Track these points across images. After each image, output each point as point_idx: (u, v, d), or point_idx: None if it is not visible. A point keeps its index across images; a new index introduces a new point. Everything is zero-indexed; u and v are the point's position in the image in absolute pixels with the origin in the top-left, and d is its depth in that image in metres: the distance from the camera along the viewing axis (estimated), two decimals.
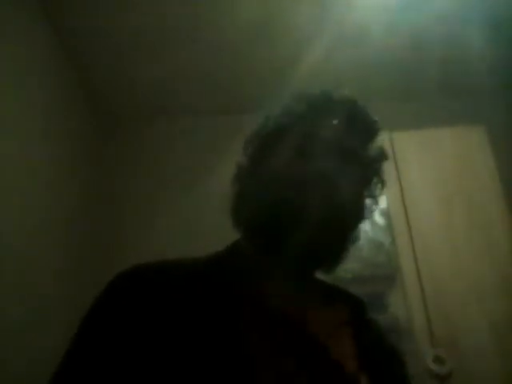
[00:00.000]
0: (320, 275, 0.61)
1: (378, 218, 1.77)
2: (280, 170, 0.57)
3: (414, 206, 1.67)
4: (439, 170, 1.73)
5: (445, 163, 1.74)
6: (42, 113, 1.62)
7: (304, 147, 0.57)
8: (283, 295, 0.54)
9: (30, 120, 1.52)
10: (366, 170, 0.61)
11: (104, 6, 1.67)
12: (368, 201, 0.62)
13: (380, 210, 1.76)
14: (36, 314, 1.42)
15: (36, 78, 1.60)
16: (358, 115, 0.62)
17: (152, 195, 2.07)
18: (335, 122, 0.59)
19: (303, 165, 0.56)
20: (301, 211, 0.52)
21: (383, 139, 0.66)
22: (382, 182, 0.64)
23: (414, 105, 2.18)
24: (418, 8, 1.76)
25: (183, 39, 1.83)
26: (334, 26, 1.80)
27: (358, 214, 0.59)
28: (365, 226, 1.76)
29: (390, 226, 1.69)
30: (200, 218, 1.96)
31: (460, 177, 1.71)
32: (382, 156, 0.64)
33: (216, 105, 2.21)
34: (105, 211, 2.02)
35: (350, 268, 1.67)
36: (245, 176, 0.63)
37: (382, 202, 1.74)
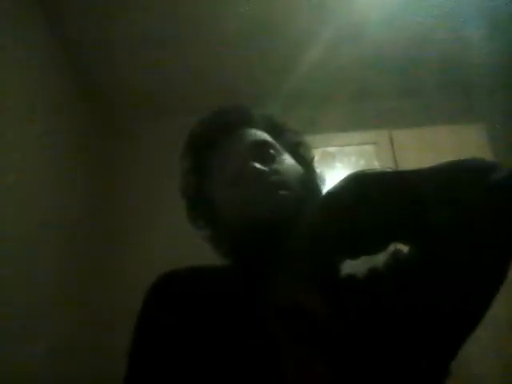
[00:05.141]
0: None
1: None
2: (226, 208, 0.63)
3: None
4: None
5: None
6: (41, 113, 1.62)
7: (232, 177, 0.62)
8: (301, 293, 0.57)
9: (29, 120, 1.52)
10: (293, 152, 0.69)
11: (104, 6, 1.67)
12: (301, 165, 0.67)
13: None
14: (36, 313, 1.42)
15: (36, 77, 1.60)
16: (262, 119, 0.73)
17: (152, 195, 2.07)
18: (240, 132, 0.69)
19: (240, 190, 0.60)
20: (268, 228, 0.56)
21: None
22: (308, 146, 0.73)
23: (413, 103, 2.18)
24: (418, 6, 1.76)
25: (183, 39, 1.84)
26: (333, 24, 1.80)
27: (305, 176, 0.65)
28: None
29: None
30: None
31: None
32: (296, 131, 0.74)
33: (216, 105, 2.20)
34: (105, 211, 2.02)
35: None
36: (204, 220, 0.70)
37: None
